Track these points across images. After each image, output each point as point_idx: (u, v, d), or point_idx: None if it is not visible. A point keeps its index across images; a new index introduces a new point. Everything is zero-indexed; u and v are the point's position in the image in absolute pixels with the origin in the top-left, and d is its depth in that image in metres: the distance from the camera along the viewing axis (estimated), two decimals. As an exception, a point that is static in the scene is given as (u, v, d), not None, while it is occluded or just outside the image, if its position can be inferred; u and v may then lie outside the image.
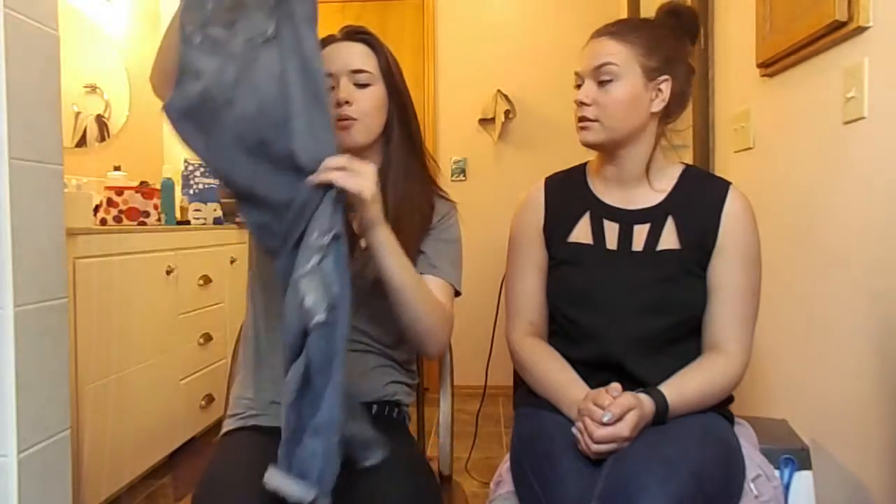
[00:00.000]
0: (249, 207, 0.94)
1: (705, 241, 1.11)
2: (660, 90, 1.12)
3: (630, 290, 1.10)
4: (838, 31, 1.31)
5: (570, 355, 1.13)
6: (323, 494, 0.86)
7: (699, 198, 1.14)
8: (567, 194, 1.21)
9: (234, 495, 0.94)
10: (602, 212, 1.17)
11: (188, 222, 2.77)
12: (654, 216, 1.14)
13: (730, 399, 1.15)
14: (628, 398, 0.98)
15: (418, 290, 1.05)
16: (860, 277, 1.28)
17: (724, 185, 1.15)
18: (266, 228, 0.94)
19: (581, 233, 1.17)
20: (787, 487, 1.23)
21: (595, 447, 0.95)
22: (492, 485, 1.17)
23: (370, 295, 1.11)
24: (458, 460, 1.66)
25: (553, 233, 1.19)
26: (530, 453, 1.04)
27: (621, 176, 1.17)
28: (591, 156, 1.24)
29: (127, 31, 3.24)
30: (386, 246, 1.00)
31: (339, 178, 0.89)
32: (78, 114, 2.84)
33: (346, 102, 1.09)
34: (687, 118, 1.24)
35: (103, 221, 2.29)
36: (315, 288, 0.86)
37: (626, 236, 1.14)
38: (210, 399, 2.66)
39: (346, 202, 0.93)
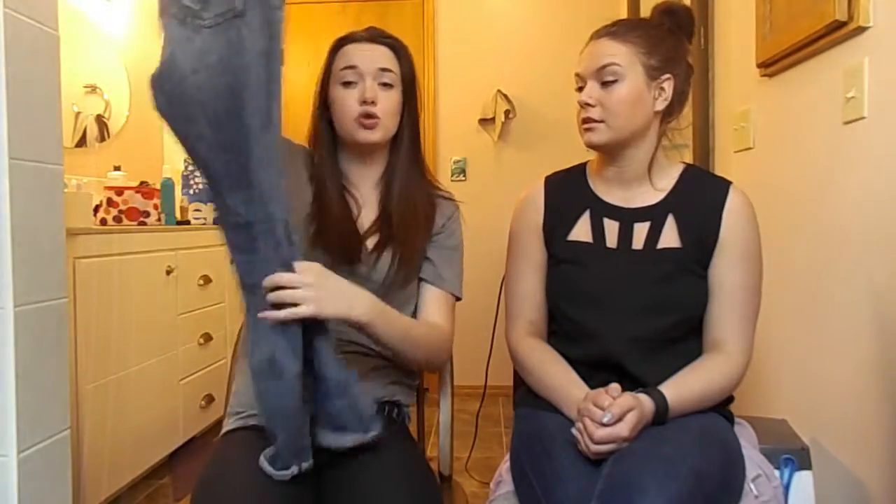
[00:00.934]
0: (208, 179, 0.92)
1: (706, 240, 1.11)
2: (662, 89, 1.12)
3: (630, 289, 1.10)
4: (838, 31, 1.31)
5: (570, 355, 1.13)
6: (374, 428, 0.97)
7: (700, 196, 1.14)
8: (567, 193, 1.21)
9: (234, 495, 0.94)
10: (602, 210, 1.17)
11: (188, 222, 2.77)
12: (654, 214, 1.14)
13: (730, 399, 1.15)
14: (628, 398, 0.98)
15: (414, 341, 1.09)
16: (860, 277, 1.28)
17: (724, 185, 1.15)
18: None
19: (581, 231, 1.17)
20: (787, 487, 1.23)
21: (595, 448, 0.95)
22: (492, 485, 1.17)
23: (378, 294, 1.12)
24: (458, 460, 1.66)
25: (553, 231, 1.19)
26: (530, 453, 1.04)
27: (623, 175, 1.16)
28: (590, 155, 1.24)
29: (127, 31, 3.24)
30: (374, 325, 1.00)
31: (286, 314, 0.88)
32: (78, 114, 2.84)
33: (372, 102, 1.11)
34: (687, 118, 1.24)
35: (103, 221, 2.29)
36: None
37: (626, 235, 1.14)
38: (210, 399, 2.66)
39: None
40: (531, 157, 3.41)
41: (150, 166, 3.29)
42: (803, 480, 1.25)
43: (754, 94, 1.79)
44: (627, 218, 1.15)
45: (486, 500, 1.14)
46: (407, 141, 1.19)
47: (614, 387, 1.00)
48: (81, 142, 2.85)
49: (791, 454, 1.25)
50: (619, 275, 1.12)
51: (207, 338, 2.62)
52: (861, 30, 1.26)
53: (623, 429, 0.95)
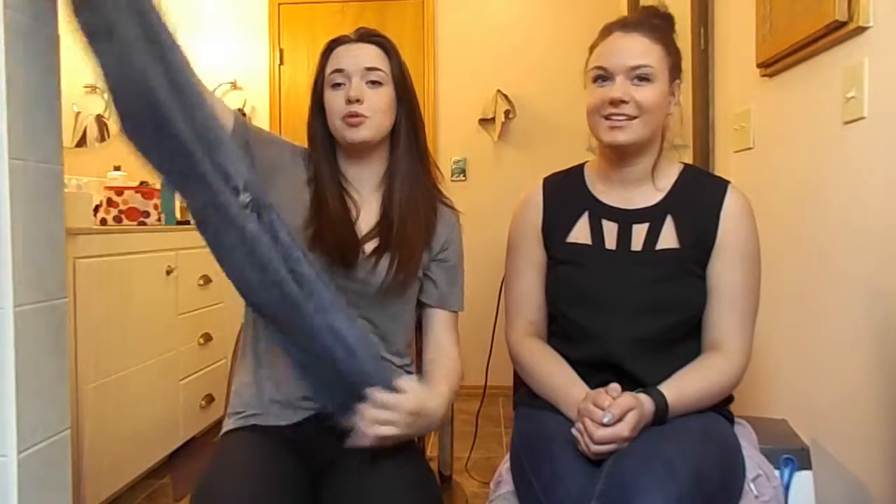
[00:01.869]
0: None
1: (704, 240, 1.11)
2: (673, 93, 1.13)
3: (629, 290, 1.10)
4: (838, 31, 1.31)
5: (570, 355, 1.13)
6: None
7: (698, 197, 1.14)
8: (566, 194, 1.21)
9: (234, 495, 0.94)
10: (601, 212, 1.17)
11: (188, 222, 2.76)
12: (653, 215, 1.14)
13: (730, 399, 1.15)
14: (628, 399, 0.98)
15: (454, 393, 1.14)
16: (860, 277, 1.28)
17: (722, 185, 1.15)
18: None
19: (580, 233, 1.17)
20: (787, 487, 1.23)
21: (595, 448, 0.95)
22: (492, 485, 1.17)
23: (371, 302, 1.13)
24: (458, 460, 1.66)
25: (552, 233, 1.19)
26: (530, 453, 1.04)
27: (629, 177, 1.16)
28: (590, 156, 1.24)
29: (127, 31, 3.23)
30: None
31: (376, 440, 0.94)
32: (78, 114, 2.84)
33: (357, 101, 1.10)
34: (687, 118, 1.24)
35: (103, 221, 2.29)
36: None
37: (624, 236, 1.14)
38: (210, 399, 2.66)
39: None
40: (531, 157, 3.41)
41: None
42: (803, 480, 1.25)
43: (754, 94, 1.79)
44: (626, 219, 1.15)
45: (486, 500, 1.14)
46: (405, 138, 1.18)
47: (614, 387, 1.00)
48: (81, 142, 2.85)
49: (791, 454, 1.25)
50: (618, 276, 1.12)
51: (207, 338, 2.62)
52: (861, 30, 1.26)
53: (623, 429, 0.95)
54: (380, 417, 0.93)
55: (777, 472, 1.17)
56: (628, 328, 1.09)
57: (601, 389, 1.01)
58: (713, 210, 1.12)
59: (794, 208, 1.54)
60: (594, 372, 1.09)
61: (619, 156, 1.15)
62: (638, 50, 1.09)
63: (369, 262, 1.14)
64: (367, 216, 1.18)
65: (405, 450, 1.07)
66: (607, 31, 1.14)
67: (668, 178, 1.17)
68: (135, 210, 2.32)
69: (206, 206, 0.91)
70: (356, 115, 1.10)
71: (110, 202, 2.29)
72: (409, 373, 1.23)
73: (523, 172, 3.38)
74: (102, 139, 3.01)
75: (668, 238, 1.12)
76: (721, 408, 1.12)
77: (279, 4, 3.50)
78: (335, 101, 1.13)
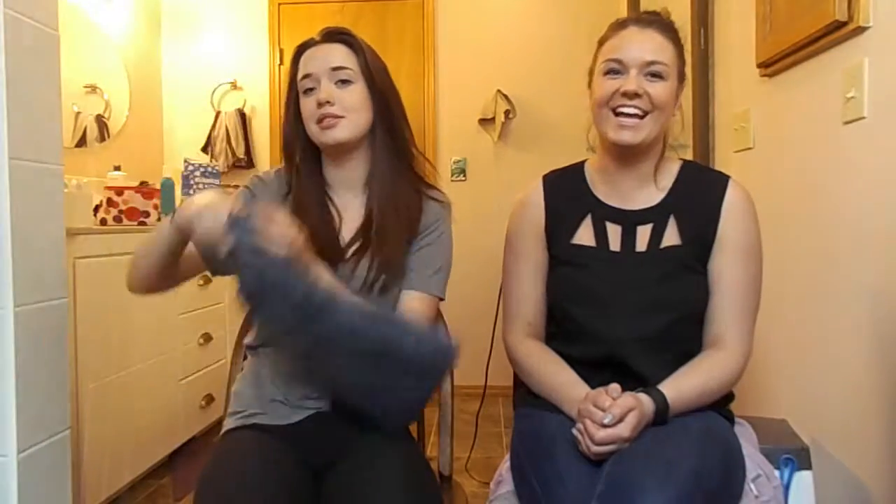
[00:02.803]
0: None
1: (705, 236, 1.11)
2: (677, 96, 1.13)
3: (635, 290, 1.10)
4: (838, 31, 1.31)
5: (572, 355, 1.13)
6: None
7: (699, 193, 1.14)
8: (567, 195, 1.20)
9: (235, 494, 0.94)
10: (603, 213, 1.16)
11: (188, 222, 2.76)
12: (656, 216, 1.14)
13: (730, 398, 1.15)
14: (628, 399, 0.98)
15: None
16: (860, 277, 1.28)
17: (723, 179, 1.15)
18: None
19: (584, 235, 1.16)
20: (787, 487, 1.23)
21: (595, 449, 0.95)
22: (492, 485, 1.17)
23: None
24: (458, 460, 1.66)
25: (555, 233, 1.18)
26: (530, 453, 1.04)
27: (631, 178, 1.15)
28: (590, 155, 1.24)
29: (127, 31, 3.24)
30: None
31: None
32: (78, 114, 2.84)
33: (328, 102, 1.09)
34: (687, 118, 1.23)
35: (103, 221, 2.29)
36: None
37: (629, 238, 1.14)
38: (210, 399, 2.66)
39: None
40: (531, 157, 3.41)
41: (150, 166, 3.29)
42: (803, 480, 1.25)
43: (754, 94, 1.79)
44: (629, 221, 1.14)
45: (486, 500, 1.14)
46: (381, 135, 1.16)
47: (614, 387, 1.00)
48: (81, 142, 2.85)
49: (791, 454, 1.25)
50: (623, 276, 1.11)
51: (207, 338, 2.62)
52: (861, 30, 1.26)
53: (624, 429, 0.95)
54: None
55: (777, 472, 1.17)
56: (631, 326, 1.08)
57: (601, 389, 1.01)
58: (714, 205, 1.12)
59: (794, 208, 1.54)
60: (597, 371, 1.09)
61: (623, 155, 1.14)
62: (654, 45, 1.08)
63: (348, 265, 1.12)
64: (350, 220, 1.16)
65: (405, 449, 1.07)
66: (621, 25, 1.12)
67: (668, 176, 1.16)
68: (135, 210, 2.32)
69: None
70: (329, 115, 1.10)
71: (110, 202, 2.29)
72: None
73: (523, 172, 3.37)
74: (102, 139, 3.00)
75: (671, 236, 1.12)
76: (721, 407, 1.12)
77: (279, 4, 3.50)
78: (308, 107, 1.12)
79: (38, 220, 1.36)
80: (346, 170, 1.18)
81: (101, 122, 2.99)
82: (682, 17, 2.13)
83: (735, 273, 1.10)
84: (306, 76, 1.12)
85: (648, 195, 1.15)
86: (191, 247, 1.01)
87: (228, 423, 1.15)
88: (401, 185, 1.17)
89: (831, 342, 1.39)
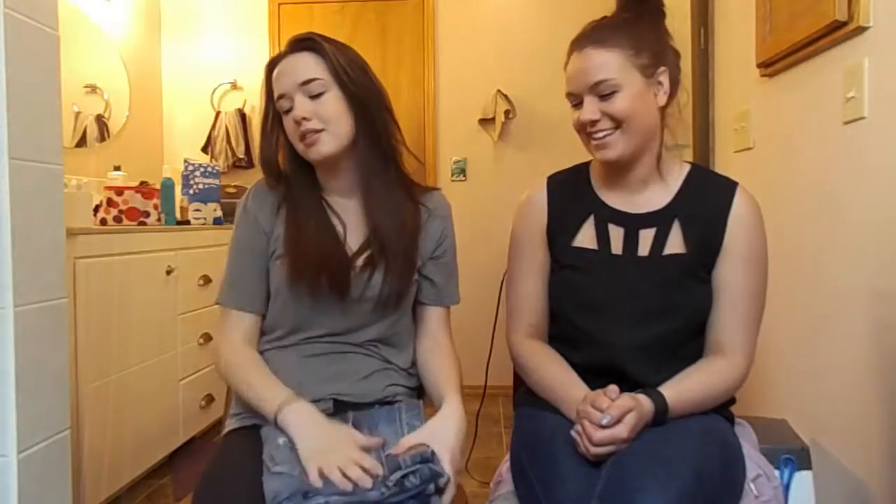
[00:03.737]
0: None
1: (712, 244, 1.10)
2: (660, 83, 1.09)
3: (635, 296, 1.09)
4: (838, 31, 1.31)
5: (573, 359, 1.13)
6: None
7: (706, 199, 1.12)
8: (570, 196, 1.19)
9: (235, 495, 0.94)
10: (607, 215, 1.15)
11: (188, 222, 2.77)
12: (660, 220, 1.12)
13: (731, 400, 1.15)
14: (626, 400, 0.97)
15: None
16: (860, 277, 1.28)
17: (731, 186, 1.12)
18: None
19: (586, 237, 1.15)
20: (787, 487, 1.23)
21: (594, 450, 0.95)
22: (492, 485, 1.17)
23: (371, 312, 1.14)
24: (458, 460, 1.66)
25: (557, 236, 1.17)
26: (530, 453, 1.04)
27: (632, 178, 1.14)
28: (591, 156, 1.24)
29: (127, 31, 3.24)
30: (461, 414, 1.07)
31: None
32: (78, 114, 2.84)
33: (304, 119, 1.08)
34: (687, 118, 1.22)
35: (103, 221, 2.29)
36: None
37: (631, 241, 1.12)
38: (210, 399, 2.66)
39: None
40: (531, 157, 3.41)
41: (150, 166, 3.29)
42: (803, 480, 1.25)
43: (754, 94, 1.79)
44: (633, 224, 1.13)
45: (486, 500, 1.14)
46: (364, 138, 1.13)
47: (612, 388, 1.00)
48: (81, 142, 2.85)
49: (791, 454, 1.25)
50: (624, 282, 1.10)
51: (207, 338, 2.62)
52: (861, 30, 1.26)
53: (622, 430, 0.95)
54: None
55: (777, 472, 1.17)
56: (632, 334, 1.08)
57: (600, 391, 1.01)
58: (721, 213, 1.10)
59: (794, 208, 1.54)
60: (596, 377, 1.08)
61: (614, 167, 1.14)
62: (592, 65, 1.06)
63: (362, 277, 1.12)
64: (353, 226, 1.16)
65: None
66: (568, 53, 1.12)
67: (675, 177, 1.15)
68: (135, 210, 2.32)
69: None
70: (309, 131, 1.08)
71: (110, 202, 2.29)
72: (411, 375, 1.22)
73: (523, 172, 3.38)
74: (102, 139, 3.00)
75: (676, 243, 1.11)
76: (722, 409, 1.11)
77: (279, 4, 3.50)
78: (289, 126, 1.11)
79: (38, 220, 1.36)
80: (339, 179, 1.17)
81: (101, 122, 2.99)
82: (682, 17, 2.14)
83: (741, 282, 1.09)
84: (281, 96, 1.11)
85: (653, 197, 1.14)
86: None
87: (230, 424, 1.15)
88: (395, 187, 1.16)
89: (831, 342, 1.39)
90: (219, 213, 2.80)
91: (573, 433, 1.00)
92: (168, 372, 2.38)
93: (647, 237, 1.12)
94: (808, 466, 1.26)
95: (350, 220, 1.17)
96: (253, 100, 3.53)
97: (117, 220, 2.29)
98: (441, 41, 3.48)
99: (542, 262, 1.19)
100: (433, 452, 0.95)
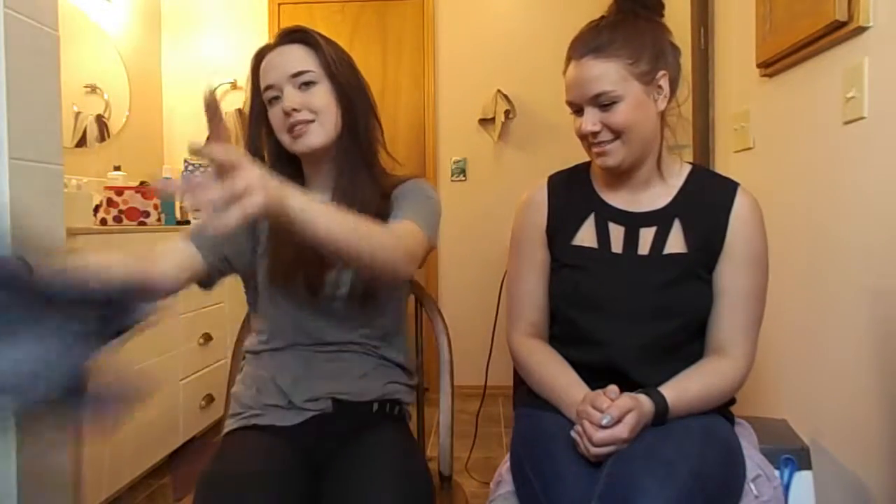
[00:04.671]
0: None
1: (713, 244, 1.10)
2: (660, 87, 1.08)
3: (635, 295, 1.09)
4: (838, 31, 1.31)
5: (573, 359, 1.12)
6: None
7: (707, 199, 1.12)
8: (571, 195, 1.19)
9: (235, 495, 0.94)
10: (607, 214, 1.15)
11: (188, 222, 2.77)
12: (660, 219, 1.12)
13: (731, 400, 1.15)
14: (626, 400, 0.97)
15: (362, 236, 0.89)
16: (860, 277, 1.28)
17: (732, 186, 1.12)
18: None
19: (586, 236, 1.15)
20: (787, 487, 1.23)
21: (594, 450, 0.95)
22: (492, 485, 1.17)
23: (348, 310, 1.13)
24: (458, 460, 1.67)
25: (557, 235, 1.17)
26: (530, 453, 1.04)
27: (633, 179, 1.14)
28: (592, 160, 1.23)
29: (127, 31, 3.24)
30: (307, 211, 0.80)
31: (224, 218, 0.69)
32: (78, 114, 2.84)
33: (294, 110, 1.07)
34: (686, 113, 1.21)
35: (103, 221, 2.29)
36: None
37: (631, 240, 1.12)
38: (210, 399, 2.66)
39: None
40: (531, 157, 3.41)
41: (150, 166, 3.29)
42: (803, 480, 1.25)
43: (754, 94, 1.80)
44: (633, 222, 1.13)
45: (486, 500, 1.14)
46: (346, 135, 1.12)
47: (612, 388, 1.00)
48: (81, 142, 2.85)
49: (791, 454, 1.25)
50: (624, 280, 1.10)
51: (207, 338, 2.62)
52: (861, 30, 1.26)
53: (622, 430, 0.95)
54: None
55: (777, 472, 1.17)
56: (632, 334, 1.07)
57: (599, 391, 1.01)
58: (722, 213, 1.10)
59: (794, 208, 1.54)
60: (597, 376, 1.08)
61: (616, 171, 1.13)
62: (592, 76, 1.05)
63: (332, 277, 1.12)
64: None
65: (404, 448, 1.07)
66: (567, 59, 1.11)
67: (676, 178, 1.15)
68: (135, 210, 2.32)
69: None
70: (298, 122, 1.08)
71: (110, 202, 2.29)
72: (410, 372, 1.22)
73: (523, 172, 3.38)
74: (102, 139, 3.01)
75: (676, 242, 1.11)
76: (722, 409, 1.11)
77: (279, 4, 3.50)
78: (276, 117, 1.10)
79: (38, 220, 1.36)
80: (320, 172, 1.16)
81: (101, 122, 2.99)
82: (682, 17, 2.14)
83: (742, 283, 1.09)
84: (269, 87, 1.10)
85: (654, 197, 1.14)
86: None
87: (229, 425, 1.15)
88: (365, 190, 1.13)
89: (831, 342, 1.39)
90: (219, 213, 2.80)
91: (573, 433, 1.00)
92: (168, 372, 2.38)
93: (647, 236, 1.12)
94: (808, 466, 1.26)
95: None
96: (253, 100, 3.53)
97: (117, 220, 2.30)
98: (441, 41, 3.48)
99: (541, 261, 1.19)
100: None
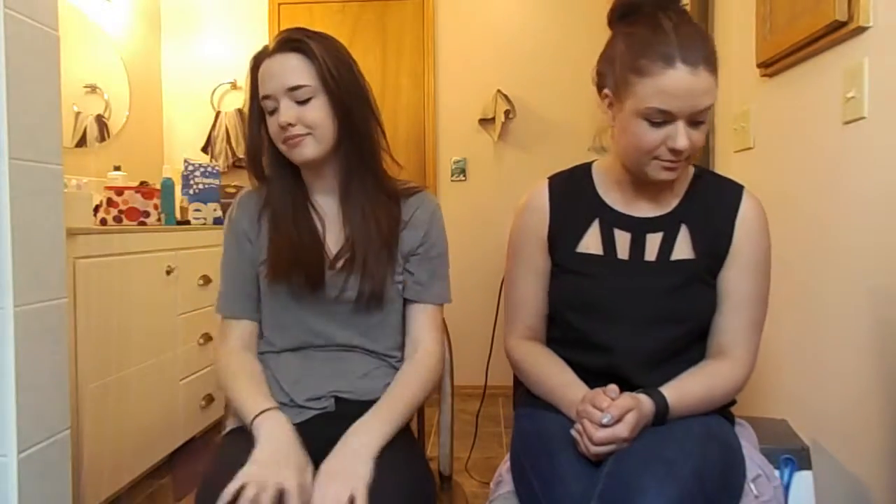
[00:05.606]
0: None
1: (719, 248, 1.09)
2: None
3: (642, 301, 1.08)
4: (838, 31, 1.31)
5: (574, 362, 1.12)
6: None
7: (713, 203, 1.11)
8: (574, 200, 1.17)
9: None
10: (612, 220, 1.13)
11: (188, 222, 2.77)
12: (667, 224, 1.11)
13: (732, 401, 1.15)
14: (626, 399, 0.97)
15: (415, 401, 1.11)
16: (860, 277, 1.28)
17: (737, 190, 1.12)
18: None
19: (591, 242, 1.14)
20: (787, 487, 1.23)
21: (594, 449, 0.95)
22: (492, 485, 1.17)
23: (353, 313, 1.14)
24: (458, 460, 1.67)
25: (560, 241, 1.16)
26: (530, 453, 1.04)
27: (650, 190, 1.12)
28: (593, 155, 1.23)
29: (127, 31, 3.24)
30: (379, 445, 1.01)
31: None
32: (78, 114, 2.84)
33: (290, 125, 1.08)
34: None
35: (103, 221, 2.29)
36: None
37: (638, 246, 1.11)
38: (210, 399, 2.66)
39: None
40: (531, 157, 3.41)
41: (150, 166, 3.29)
42: (803, 480, 1.25)
43: (754, 94, 1.80)
44: (639, 228, 1.12)
45: (486, 500, 1.14)
46: (346, 143, 1.13)
47: (612, 388, 1.00)
48: (81, 142, 2.85)
49: (791, 454, 1.25)
50: (630, 287, 1.09)
51: (207, 338, 2.62)
52: (861, 30, 1.26)
53: (622, 430, 0.95)
54: None
55: (777, 472, 1.17)
56: (638, 340, 1.07)
57: (599, 390, 1.01)
58: (728, 217, 1.09)
59: (794, 209, 1.54)
60: (597, 380, 1.07)
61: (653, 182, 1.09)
62: (704, 89, 0.96)
63: (339, 278, 1.13)
64: (333, 226, 1.16)
65: (404, 447, 1.07)
66: (668, 61, 0.95)
67: (681, 181, 1.14)
68: (135, 210, 2.32)
69: None
70: (294, 136, 1.09)
71: (110, 202, 2.29)
72: (395, 367, 1.22)
73: (523, 172, 3.38)
74: (102, 139, 3.01)
75: (683, 248, 1.10)
76: (722, 409, 1.11)
77: (279, 4, 3.50)
78: (273, 127, 1.11)
79: (38, 220, 1.36)
80: (322, 179, 1.18)
81: (101, 122, 2.99)
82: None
83: (746, 287, 1.09)
84: (266, 97, 1.11)
85: (659, 202, 1.13)
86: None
87: (230, 424, 1.15)
88: (373, 194, 1.15)
89: (831, 342, 1.39)
90: (219, 213, 2.81)
91: (573, 432, 0.99)
92: (168, 372, 2.38)
93: (654, 242, 1.11)
94: (808, 466, 1.26)
95: (330, 219, 1.17)
96: (253, 100, 3.53)
97: (117, 220, 2.30)
98: (441, 41, 3.48)
99: (540, 266, 1.18)
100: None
